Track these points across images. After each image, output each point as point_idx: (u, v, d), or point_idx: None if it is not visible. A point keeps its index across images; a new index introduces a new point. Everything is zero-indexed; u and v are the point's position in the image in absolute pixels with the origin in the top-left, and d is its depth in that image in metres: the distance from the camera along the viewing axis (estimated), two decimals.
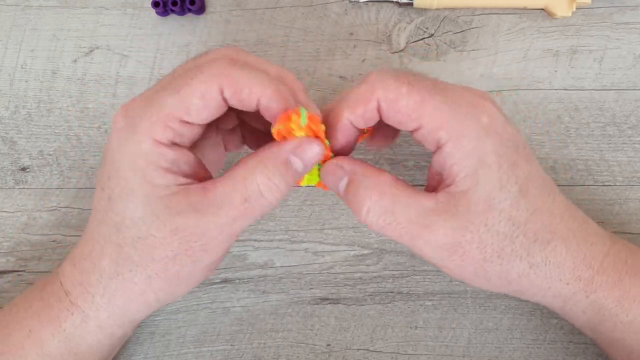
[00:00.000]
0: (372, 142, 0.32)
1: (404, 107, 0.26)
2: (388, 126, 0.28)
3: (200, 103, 0.25)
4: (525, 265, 0.27)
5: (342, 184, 0.27)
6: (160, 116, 0.25)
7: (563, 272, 0.28)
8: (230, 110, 0.27)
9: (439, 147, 0.26)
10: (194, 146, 0.28)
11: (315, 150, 0.26)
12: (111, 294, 0.28)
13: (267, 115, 0.26)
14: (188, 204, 0.26)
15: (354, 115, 0.27)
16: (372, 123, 0.27)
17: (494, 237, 0.26)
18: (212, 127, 0.30)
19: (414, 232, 0.26)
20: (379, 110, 0.27)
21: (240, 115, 0.32)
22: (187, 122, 0.26)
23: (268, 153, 0.26)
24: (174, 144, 0.26)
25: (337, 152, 0.29)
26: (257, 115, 0.27)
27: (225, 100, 0.26)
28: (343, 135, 0.28)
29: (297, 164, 0.26)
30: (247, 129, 0.33)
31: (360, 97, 0.26)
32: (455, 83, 0.28)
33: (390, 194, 0.26)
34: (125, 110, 0.26)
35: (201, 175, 0.28)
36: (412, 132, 0.27)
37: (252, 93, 0.25)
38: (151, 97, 0.26)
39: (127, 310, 0.29)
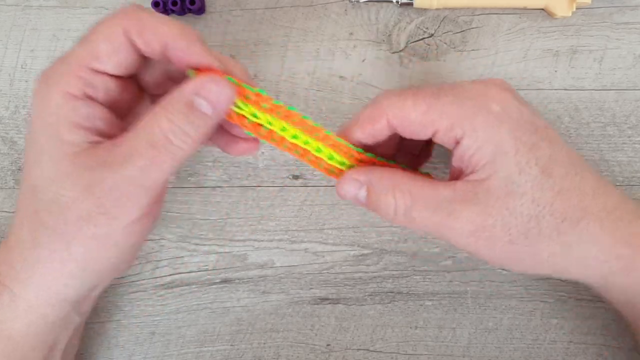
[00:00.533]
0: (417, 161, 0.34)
1: (413, 118, 0.27)
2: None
3: (107, 47, 0.25)
4: (557, 246, 0.27)
5: (362, 195, 0.28)
6: (70, 67, 0.25)
7: (600, 251, 0.27)
8: (157, 67, 0.28)
9: (456, 143, 0.27)
10: (125, 110, 0.28)
11: (222, 91, 0.25)
12: (32, 265, 0.27)
13: (178, 60, 0.26)
14: (97, 160, 0.25)
15: (364, 134, 0.28)
16: (382, 139, 0.29)
17: (518, 219, 0.26)
18: (143, 94, 0.30)
19: (439, 221, 0.27)
20: (392, 127, 0.28)
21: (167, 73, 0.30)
22: (100, 72, 0.25)
23: (170, 97, 0.25)
24: (87, 97, 0.25)
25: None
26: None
27: (133, 44, 0.25)
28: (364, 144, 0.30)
29: (203, 105, 0.25)
30: None
31: (368, 117, 0.28)
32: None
33: (409, 191, 0.27)
34: (43, 73, 0.26)
35: (119, 134, 0.26)
36: (432, 138, 0.28)
37: (158, 33, 0.25)
38: (67, 54, 0.26)
39: (52, 284, 0.27)
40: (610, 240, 0.27)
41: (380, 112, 0.27)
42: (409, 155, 0.33)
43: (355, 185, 0.28)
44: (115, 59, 0.25)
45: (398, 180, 0.28)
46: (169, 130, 0.25)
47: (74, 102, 0.25)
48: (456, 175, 0.28)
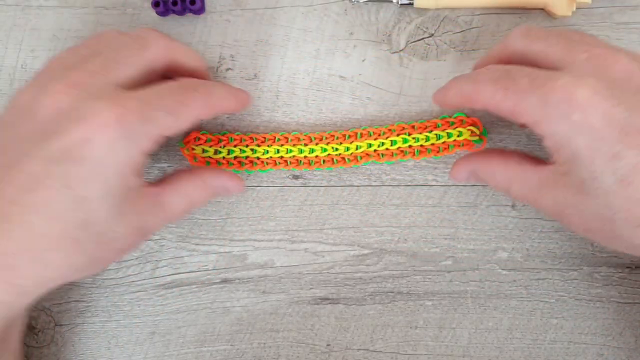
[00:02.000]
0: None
1: (504, 108, 0.28)
2: None
3: (186, 126, 0.29)
4: (630, 244, 0.27)
5: (471, 179, 0.34)
6: (155, 134, 0.28)
7: None
8: None
9: (542, 139, 0.28)
10: None
11: (235, 185, 0.34)
12: (40, 286, 0.28)
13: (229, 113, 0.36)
14: (146, 206, 0.30)
15: (465, 104, 0.31)
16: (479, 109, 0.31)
17: (592, 216, 0.28)
18: None
19: (531, 200, 0.30)
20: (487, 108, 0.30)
21: None
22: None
23: (211, 178, 0.33)
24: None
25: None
26: None
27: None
28: (450, 107, 0.34)
29: (221, 193, 0.34)
30: None
31: (467, 94, 0.30)
32: None
33: (506, 177, 0.31)
34: (117, 117, 0.27)
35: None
36: None
37: (225, 108, 0.33)
38: (146, 110, 0.28)
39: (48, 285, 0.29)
40: None
41: (476, 96, 0.29)
42: None
43: (463, 175, 0.34)
44: (183, 131, 0.30)
45: (495, 168, 0.32)
46: (198, 204, 0.33)
47: (144, 158, 0.29)
48: (548, 155, 0.29)
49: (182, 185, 0.32)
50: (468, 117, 0.36)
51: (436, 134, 0.36)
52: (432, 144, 0.36)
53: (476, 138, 0.36)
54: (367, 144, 0.36)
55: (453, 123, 0.36)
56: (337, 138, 0.36)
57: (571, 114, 0.26)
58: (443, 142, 0.36)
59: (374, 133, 0.36)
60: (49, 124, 0.27)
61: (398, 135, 0.36)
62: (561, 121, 0.26)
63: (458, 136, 0.36)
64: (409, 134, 0.36)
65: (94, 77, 0.28)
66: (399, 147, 0.36)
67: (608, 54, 0.28)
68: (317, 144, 0.36)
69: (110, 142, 0.27)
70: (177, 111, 0.29)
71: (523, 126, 0.34)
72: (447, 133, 0.36)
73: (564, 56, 0.28)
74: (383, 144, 0.36)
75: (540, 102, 0.27)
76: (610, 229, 0.27)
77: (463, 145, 0.36)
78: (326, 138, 0.36)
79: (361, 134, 0.36)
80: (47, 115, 0.27)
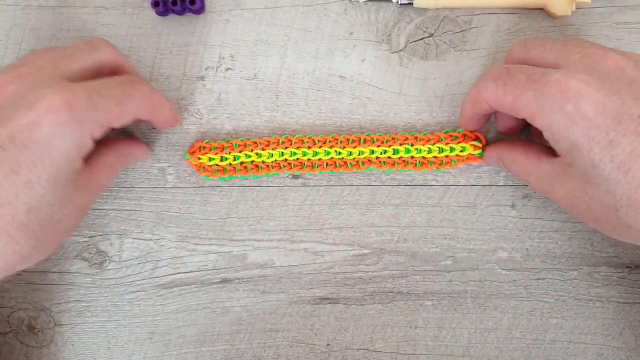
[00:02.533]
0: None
1: (505, 105, 0.30)
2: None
3: (131, 119, 0.31)
4: (637, 231, 0.28)
5: (500, 164, 0.35)
6: (104, 120, 0.29)
7: None
8: None
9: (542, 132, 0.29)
10: None
11: (140, 155, 0.36)
12: None
13: (158, 125, 0.35)
14: (83, 185, 0.31)
15: (478, 110, 0.33)
16: (491, 112, 0.33)
17: (598, 204, 0.28)
18: None
19: (546, 191, 0.32)
20: (494, 108, 0.31)
21: None
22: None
23: (127, 150, 0.35)
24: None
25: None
26: None
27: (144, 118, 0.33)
28: (475, 122, 0.34)
29: (130, 160, 0.36)
30: None
31: (473, 98, 0.32)
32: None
33: (524, 168, 0.33)
34: (67, 102, 0.27)
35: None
36: None
37: (160, 116, 0.34)
38: (94, 99, 0.29)
39: None
40: None
41: (480, 95, 0.31)
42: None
43: (493, 159, 0.35)
44: (126, 124, 0.31)
45: (517, 158, 0.33)
46: (118, 170, 0.35)
47: (91, 143, 0.30)
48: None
49: (105, 159, 0.33)
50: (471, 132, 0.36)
51: (439, 147, 0.36)
52: (435, 157, 0.36)
53: (479, 151, 0.36)
54: (370, 150, 0.36)
55: (456, 137, 0.36)
56: (341, 142, 0.36)
57: (565, 105, 0.27)
58: (446, 156, 0.36)
59: (377, 140, 0.36)
60: None
61: (401, 145, 0.36)
62: (556, 113, 0.27)
63: (461, 152, 0.36)
64: (412, 145, 0.36)
65: (42, 70, 0.29)
66: (401, 157, 0.36)
67: (600, 52, 0.29)
68: (320, 147, 0.36)
69: (58, 125, 0.27)
70: (123, 101, 0.30)
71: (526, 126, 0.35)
72: (450, 147, 0.36)
73: (559, 58, 0.30)
74: (386, 151, 0.36)
75: (536, 96, 0.28)
76: (616, 217, 0.28)
77: (467, 159, 0.36)
78: (330, 142, 0.36)
79: (365, 139, 0.36)
80: None
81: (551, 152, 0.31)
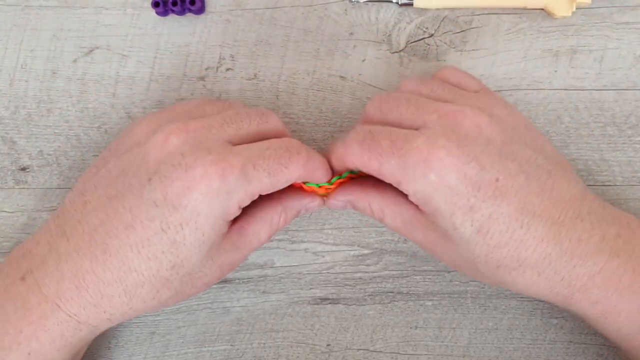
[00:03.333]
0: None
1: (370, 170, 0.30)
2: None
3: (282, 186, 0.30)
4: (495, 280, 0.30)
5: (348, 207, 0.33)
6: (253, 192, 0.29)
7: (537, 289, 0.30)
8: None
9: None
10: None
11: (316, 205, 0.34)
12: (132, 308, 0.30)
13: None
14: (231, 244, 0.31)
15: (339, 167, 0.32)
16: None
17: (457, 257, 0.30)
18: None
19: (405, 232, 0.32)
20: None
21: None
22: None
23: (291, 202, 0.33)
24: None
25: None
26: None
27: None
28: (336, 171, 0.33)
29: (302, 213, 0.34)
30: None
31: (339, 156, 0.31)
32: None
33: (380, 208, 0.32)
34: (222, 173, 0.27)
35: None
36: None
37: (314, 179, 0.32)
38: (249, 171, 0.28)
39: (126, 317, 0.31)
40: (547, 284, 0.29)
41: (345, 158, 0.30)
42: None
43: (340, 205, 0.33)
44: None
45: (373, 197, 0.32)
46: (280, 227, 0.33)
47: (238, 212, 0.29)
48: None
49: (263, 215, 0.32)
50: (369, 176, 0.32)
51: None
52: None
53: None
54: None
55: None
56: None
57: (428, 174, 0.28)
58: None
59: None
60: (158, 164, 0.28)
61: None
62: (420, 181, 0.28)
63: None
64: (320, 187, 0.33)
65: (209, 129, 0.29)
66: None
67: (456, 111, 0.29)
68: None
69: (209, 194, 0.27)
70: (277, 173, 0.29)
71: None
72: None
73: (417, 120, 0.30)
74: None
75: (399, 165, 0.28)
76: (474, 268, 0.30)
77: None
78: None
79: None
80: (157, 154, 0.28)
81: (406, 197, 0.31)
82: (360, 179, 0.33)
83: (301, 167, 0.30)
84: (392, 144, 0.29)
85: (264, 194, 0.29)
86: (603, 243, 0.29)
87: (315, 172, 0.31)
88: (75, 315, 0.29)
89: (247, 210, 0.32)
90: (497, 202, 0.28)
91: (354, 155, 0.30)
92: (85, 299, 0.29)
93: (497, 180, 0.28)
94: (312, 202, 0.34)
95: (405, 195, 0.30)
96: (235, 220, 0.31)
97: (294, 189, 0.33)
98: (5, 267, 0.31)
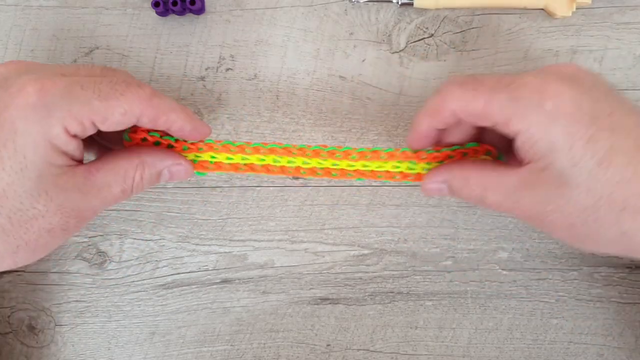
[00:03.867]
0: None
1: (474, 110, 0.28)
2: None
3: (119, 119, 0.28)
4: (617, 232, 0.27)
5: (444, 190, 0.32)
6: (80, 112, 0.27)
7: None
8: None
9: (513, 137, 0.28)
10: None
11: (182, 170, 0.32)
12: None
13: (178, 134, 0.31)
14: (74, 184, 0.28)
15: (435, 122, 0.30)
16: (450, 124, 0.30)
17: (575, 207, 0.27)
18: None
19: (508, 206, 0.29)
20: (457, 116, 0.29)
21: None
22: (95, 125, 0.28)
23: (152, 159, 0.31)
24: (76, 137, 0.28)
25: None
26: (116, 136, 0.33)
27: (139, 121, 0.29)
28: (428, 138, 0.31)
29: (166, 176, 0.32)
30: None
31: (434, 107, 0.29)
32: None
33: (481, 183, 0.30)
34: (40, 86, 0.27)
35: (81, 158, 0.30)
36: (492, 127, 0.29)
37: (169, 120, 0.30)
38: (74, 90, 0.27)
39: None
40: None
41: (444, 103, 0.29)
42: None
43: (437, 185, 0.32)
44: (114, 126, 0.29)
45: (471, 173, 0.30)
46: (137, 184, 0.31)
47: (67, 137, 0.27)
48: (520, 160, 0.29)
49: (116, 165, 0.30)
50: (480, 145, 0.33)
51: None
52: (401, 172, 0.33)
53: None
54: (378, 164, 0.33)
55: (466, 154, 0.33)
56: (339, 156, 0.33)
57: (543, 103, 0.27)
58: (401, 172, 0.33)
59: (386, 155, 0.33)
60: None
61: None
62: (534, 113, 0.27)
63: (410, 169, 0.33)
64: (417, 163, 0.33)
65: (46, 67, 0.29)
66: (401, 172, 0.33)
67: (551, 64, 0.30)
68: (312, 157, 0.33)
69: (24, 108, 0.26)
70: (109, 97, 0.27)
71: (480, 135, 0.33)
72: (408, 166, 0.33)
73: (514, 77, 0.29)
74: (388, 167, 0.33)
75: (511, 98, 0.27)
76: (594, 219, 0.27)
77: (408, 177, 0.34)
78: (327, 153, 0.33)
79: (370, 155, 0.33)
80: None
81: (507, 165, 0.30)
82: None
83: (142, 100, 0.28)
84: (498, 81, 0.28)
85: (100, 124, 0.28)
86: None
87: (167, 115, 0.29)
88: None
89: (102, 159, 0.30)
90: (614, 133, 0.27)
91: (454, 97, 0.28)
92: None
93: (610, 114, 0.27)
94: (177, 165, 0.32)
95: (503, 165, 0.30)
96: (86, 165, 0.30)
97: (159, 148, 0.32)
98: None
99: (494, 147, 0.33)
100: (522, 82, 0.28)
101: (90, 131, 0.29)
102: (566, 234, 0.29)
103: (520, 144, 0.28)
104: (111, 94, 0.28)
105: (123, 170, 0.30)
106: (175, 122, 0.30)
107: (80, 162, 0.30)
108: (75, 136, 0.28)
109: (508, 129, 0.28)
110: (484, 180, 0.30)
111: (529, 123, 0.27)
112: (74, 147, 0.28)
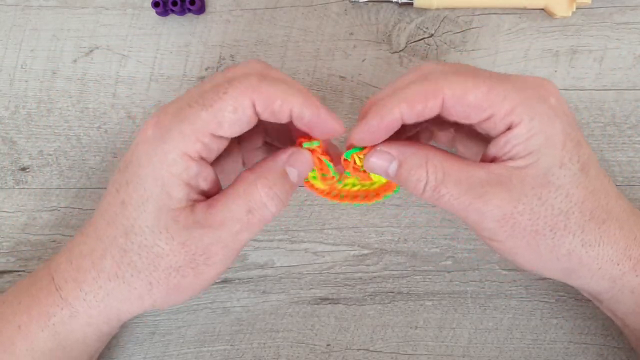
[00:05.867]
0: None
1: (473, 100, 0.26)
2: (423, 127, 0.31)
3: (233, 117, 0.26)
4: (578, 243, 0.27)
5: (392, 168, 0.28)
6: (192, 129, 0.26)
7: (615, 253, 0.28)
8: (257, 130, 0.30)
9: (509, 129, 0.26)
10: (215, 160, 0.29)
11: (306, 157, 0.29)
12: (106, 294, 0.29)
13: (300, 124, 0.27)
14: (194, 219, 0.27)
15: (412, 111, 0.26)
16: (424, 119, 0.27)
17: (548, 210, 0.27)
18: (235, 142, 0.32)
19: (467, 203, 0.27)
20: (445, 106, 0.26)
21: (266, 137, 0.33)
22: (218, 136, 0.26)
23: (266, 166, 0.28)
24: (200, 158, 0.27)
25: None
26: (282, 135, 0.30)
27: (257, 113, 0.26)
28: (385, 129, 0.27)
29: (293, 173, 0.28)
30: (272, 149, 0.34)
31: (423, 94, 0.26)
32: None
33: (442, 166, 0.27)
34: (156, 120, 0.27)
35: (213, 192, 0.28)
36: (474, 123, 0.27)
37: (285, 103, 0.26)
38: (183, 110, 0.26)
39: (119, 310, 0.29)
40: (625, 243, 0.28)
41: (437, 90, 0.26)
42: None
43: (386, 158, 0.28)
44: (237, 127, 0.26)
45: (431, 155, 0.27)
46: (267, 197, 0.27)
47: (188, 162, 0.26)
48: (492, 158, 0.28)
49: (233, 188, 0.28)
50: None
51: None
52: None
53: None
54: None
55: None
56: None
57: (548, 98, 0.27)
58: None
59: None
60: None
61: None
62: (540, 104, 0.26)
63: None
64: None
65: (184, 96, 0.28)
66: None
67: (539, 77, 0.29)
68: None
69: (145, 144, 0.27)
70: (214, 102, 0.25)
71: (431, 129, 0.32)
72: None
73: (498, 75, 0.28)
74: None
75: (517, 88, 0.26)
76: (563, 226, 0.27)
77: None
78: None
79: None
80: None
81: (472, 161, 0.28)
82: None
83: (247, 90, 0.25)
84: (495, 75, 0.27)
85: (218, 131, 0.26)
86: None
87: (281, 99, 0.26)
88: (60, 288, 0.29)
89: (226, 189, 0.28)
90: (587, 145, 0.28)
91: (452, 82, 0.26)
92: (68, 271, 0.29)
93: (580, 129, 0.28)
94: (294, 155, 0.28)
95: (472, 159, 0.28)
96: (210, 200, 0.28)
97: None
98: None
99: None
100: (522, 77, 0.27)
101: (218, 145, 0.27)
102: (523, 243, 0.27)
103: (511, 137, 0.26)
104: (214, 97, 0.26)
105: (242, 191, 0.27)
106: (292, 107, 0.26)
107: (214, 192, 0.28)
108: (201, 158, 0.27)
109: (507, 118, 0.26)
110: (446, 165, 0.27)
111: (535, 114, 0.26)
112: (196, 171, 0.27)
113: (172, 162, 0.26)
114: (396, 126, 0.27)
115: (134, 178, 0.27)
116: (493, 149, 0.27)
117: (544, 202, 0.27)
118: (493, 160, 0.27)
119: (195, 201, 0.27)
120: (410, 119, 0.27)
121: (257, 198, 0.27)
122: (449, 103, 0.26)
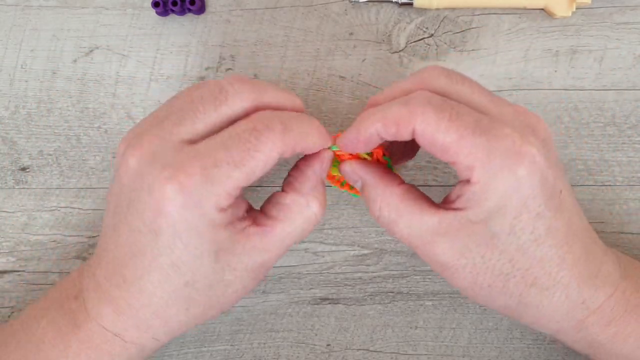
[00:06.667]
0: (394, 161, 0.33)
1: (440, 141, 0.26)
2: (410, 144, 0.30)
3: (263, 170, 0.27)
4: (515, 302, 0.28)
5: (358, 185, 0.31)
6: (225, 189, 0.26)
7: (555, 314, 0.29)
8: None
9: (468, 181, 0.26)
10: None
11: (330, 158, 0.30)
12: (164, 324, 0.29)
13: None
14: (252, 247, 0.28)
15: (387, 132, 0.27)
16: (402, 139, 0.27)
17: (488, 270, 0.28)
18: None
19: (415, 244, 0.29)
20: (415, 135, 0.27)
21: None
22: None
23: (308, 183, 0.30)
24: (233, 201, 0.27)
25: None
26: None
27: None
28: (364, 144, 0.28)
29: (325, 160, 0.30)
30: None
31: (397, 119, 0.26)
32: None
33: (396, 208, 0.28)
34: (180, 187, 0.26)
35: (243, 212, 0.29)
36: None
37: (305, 148, 0.28)
38: (210, 173, 0.26)
39: (170, 335, 0.30)
40: (569, 306, 0.28)
41: (410, 119, 0.26)
42: (394, 153, 0.33)
43: (354, 175, 0.30)
44: (262, 175, 0.27)
45: (388, 193, 0.29)
46: (320, 214, 0.30)
47: (222, 214, 0.27)
48: (454, 197, 0.28)
49: (290, 210, 0.29)
50: (381, 149, 0.31)
51: None
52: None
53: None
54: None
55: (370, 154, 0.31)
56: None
57: (517, 168, 0.25)
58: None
59: None
60: (128, 191, 0.27)
61: None
62: (505, 171, 0.25)
63: None
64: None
65: (162, 137, 0.27)
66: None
67: (529, 112, 0.28)
68: None
69: (178, 213, 0.26)
70: (246, 161, 0.26)
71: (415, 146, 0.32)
72: None
73: (490, 104, 0.27)
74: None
75: (486, 147, 0.25)
76: (502, 286, 0.28)
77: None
78: None
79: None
80: (125, 180, 0.27)
81: (429, 201, 0.29)
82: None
83: (278, 142, 0.26)
84: (477, 123, 0.25)
85: (244, 184, 0.27)
86: (616, 265, 0.30)
87: (305, 140, 0.28)
88: (120, 335, 0.29)
89: (265, 206, 0.30)
90: (557, 215, 0.27)
91: (426, 118, 0.26)
92: (125, 322, 0.28)
93: (561, 192, 0.27)
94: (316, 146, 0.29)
95: (425, 200, 0.28)
96: (254, 224, 0.29)
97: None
98: (65, 282, 0.32)
99: (390, 156, 0.32)
100: (502, 133, 0.25)
101: (242, 190, 0.28)
102: (464, 286, 0.29)
103: (467, 190, 0.26)
104: (245, 155, 0.26)
105: (297, 213, 0.29)
106: (311, 148, 0.29)
107: (246, 211, 0.29)
108: (229, 205, 0.27)
109: (466, 173, 0.26)
110: (401, 207, 0.28)
111: (494, 179, 0.25)
112: (232, 212, 0.28)
113: (210, 220, 0.26)
114: (375, 141, 0.28)
115: (178, 243, 0.26)
116: (457, 190, 0.27)
117: (485, 262, 0.27)
118: (457, 198, 0.27)
119: (244, 227, 0.28)
120: (388, 137, 0.27)
121: (313, 219, 0.30)
122: (417, 134, 0.26)
